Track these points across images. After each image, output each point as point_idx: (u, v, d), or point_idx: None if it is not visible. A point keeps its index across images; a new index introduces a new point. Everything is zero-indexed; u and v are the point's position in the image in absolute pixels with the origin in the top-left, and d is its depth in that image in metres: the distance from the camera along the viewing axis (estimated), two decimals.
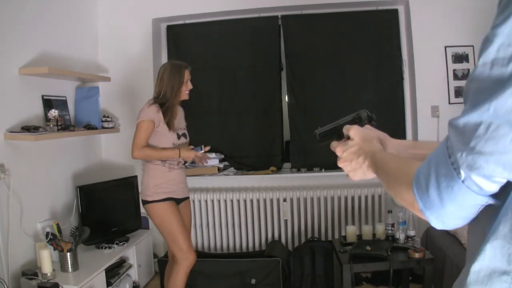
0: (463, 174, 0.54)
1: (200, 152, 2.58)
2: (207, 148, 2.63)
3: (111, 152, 3.69)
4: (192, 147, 2.62)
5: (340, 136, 0.95)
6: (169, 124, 2.58)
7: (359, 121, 0.96)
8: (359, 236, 2.97)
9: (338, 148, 0.89)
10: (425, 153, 0.65)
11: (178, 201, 2.68)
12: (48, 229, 2.63)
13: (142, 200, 2.62)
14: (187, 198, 2.78)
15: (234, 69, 3.71)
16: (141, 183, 2.68)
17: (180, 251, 2.56)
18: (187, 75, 2.63)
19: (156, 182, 2.57)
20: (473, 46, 3.38)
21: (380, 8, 3.56)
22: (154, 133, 2.57)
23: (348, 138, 0.90)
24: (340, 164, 0.89)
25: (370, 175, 0.86)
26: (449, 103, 3.41)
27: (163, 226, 2.57)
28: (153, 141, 2.59)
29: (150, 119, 2.52)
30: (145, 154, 2.56)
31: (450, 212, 0.58)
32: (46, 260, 2.40)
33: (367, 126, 0.94)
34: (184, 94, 2.65)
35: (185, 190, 2.74)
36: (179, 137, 2.65)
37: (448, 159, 0.56)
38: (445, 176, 0.56)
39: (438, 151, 0.59)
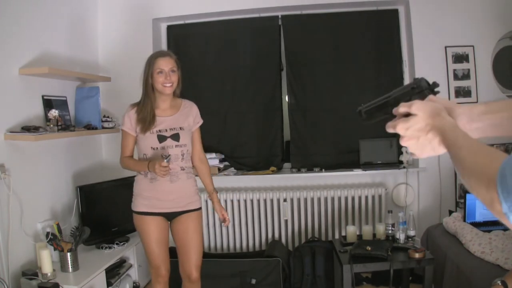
0: None
1: (163, 162, 2.10)
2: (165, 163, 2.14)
3: (111, 152, 3.68)
4: (166, 154, 2.18)
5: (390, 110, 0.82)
6: (141, 126, 2.25)
7: (418, 92, 0.81)
8: (359, 236, 2.97)
9: (399, 126, 0.78)
10: (504, 115, 0.55)
11: (169, 215, 2.34)
12: (48, 229, 2.63)
13: None
14: (188, 211, 2.35)
15: (234, 69, 3.70)
16: None
17: (150, 267, 2.40)
18: (158, 64, 2.23)
19: (136, 192, 2.34)
20: (473, 46, 3.38)
21: (380, 8, 3.56)
22: (138, 138, 2.30)
23: (408, 114, 0.78)
24: (403, 143, 0.79)
25: (441, 151, 0.76)
26: None
27: (140, 238, 2.38)
28: (137, 146, 2.34)
29: (124, 126, 2.31)
30: (125, 165, 2.34)
31: None
32: (46, 260, 2.40)
33: (431, 97, 0.81)
34: (160, 87, 2.24)
35: (182, 202, 2.33)
36: (163, 139, 2.26)
37: None
38: None
39: None
